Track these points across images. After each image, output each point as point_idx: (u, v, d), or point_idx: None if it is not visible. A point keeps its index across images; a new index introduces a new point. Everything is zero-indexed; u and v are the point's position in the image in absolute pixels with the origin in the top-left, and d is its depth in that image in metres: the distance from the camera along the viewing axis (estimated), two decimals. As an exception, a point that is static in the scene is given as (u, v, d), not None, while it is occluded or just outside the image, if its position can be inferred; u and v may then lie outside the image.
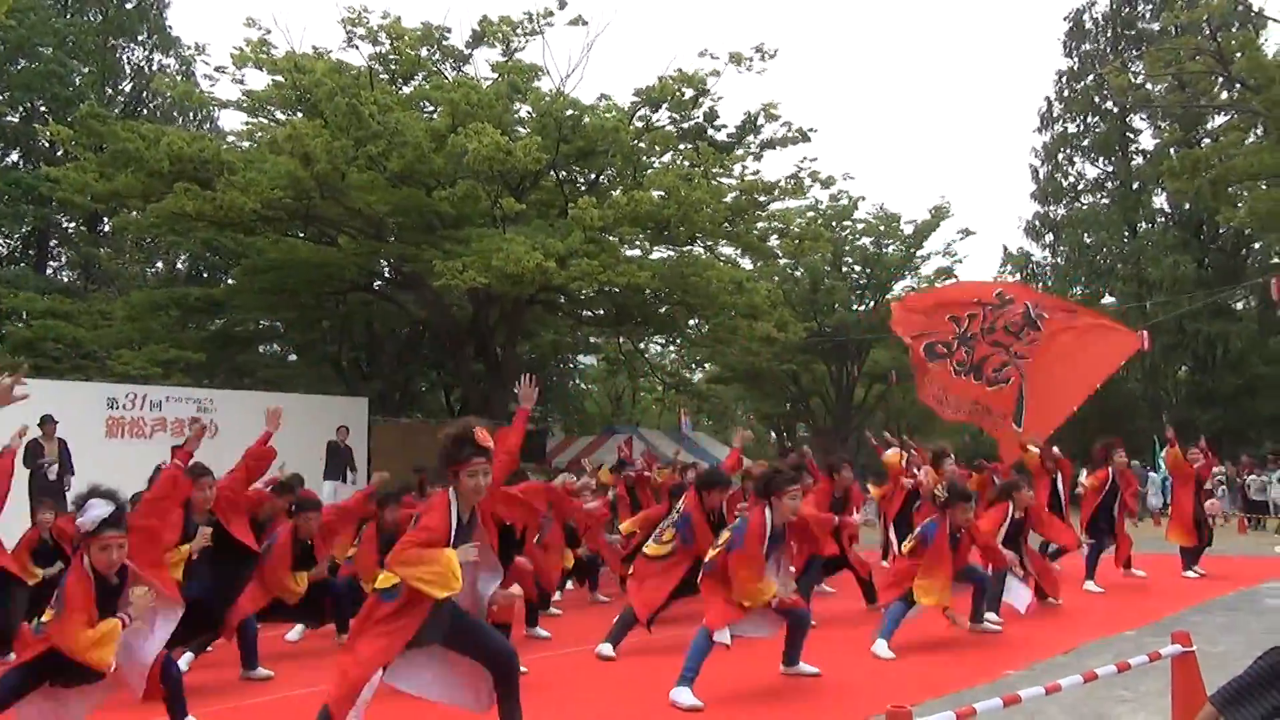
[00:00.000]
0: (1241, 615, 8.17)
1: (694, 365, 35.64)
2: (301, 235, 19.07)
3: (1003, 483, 8.85)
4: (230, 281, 22.65)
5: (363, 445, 17.25)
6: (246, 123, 20.19)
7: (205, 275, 25.39)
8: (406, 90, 18.91)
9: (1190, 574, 10.58)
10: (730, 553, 5.73)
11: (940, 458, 9.55)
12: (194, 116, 26.91)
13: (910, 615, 6.85)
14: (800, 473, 6.50)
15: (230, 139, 20.79)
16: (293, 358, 27.06)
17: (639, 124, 18.78)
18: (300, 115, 16.89)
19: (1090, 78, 30.13)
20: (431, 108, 18.74)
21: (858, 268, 31.94)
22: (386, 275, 21.23)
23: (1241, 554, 12.43)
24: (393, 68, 18.90)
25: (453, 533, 4.25)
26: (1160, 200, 29.47)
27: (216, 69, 18.62)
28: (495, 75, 19.04)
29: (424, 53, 19.10)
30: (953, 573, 6.89)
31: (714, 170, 18.34)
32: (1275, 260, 26.81)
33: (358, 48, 18.31)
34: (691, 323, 22.47)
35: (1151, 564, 10.78)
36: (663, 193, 17.26)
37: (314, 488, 10.46)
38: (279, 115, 18.84)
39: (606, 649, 6.75)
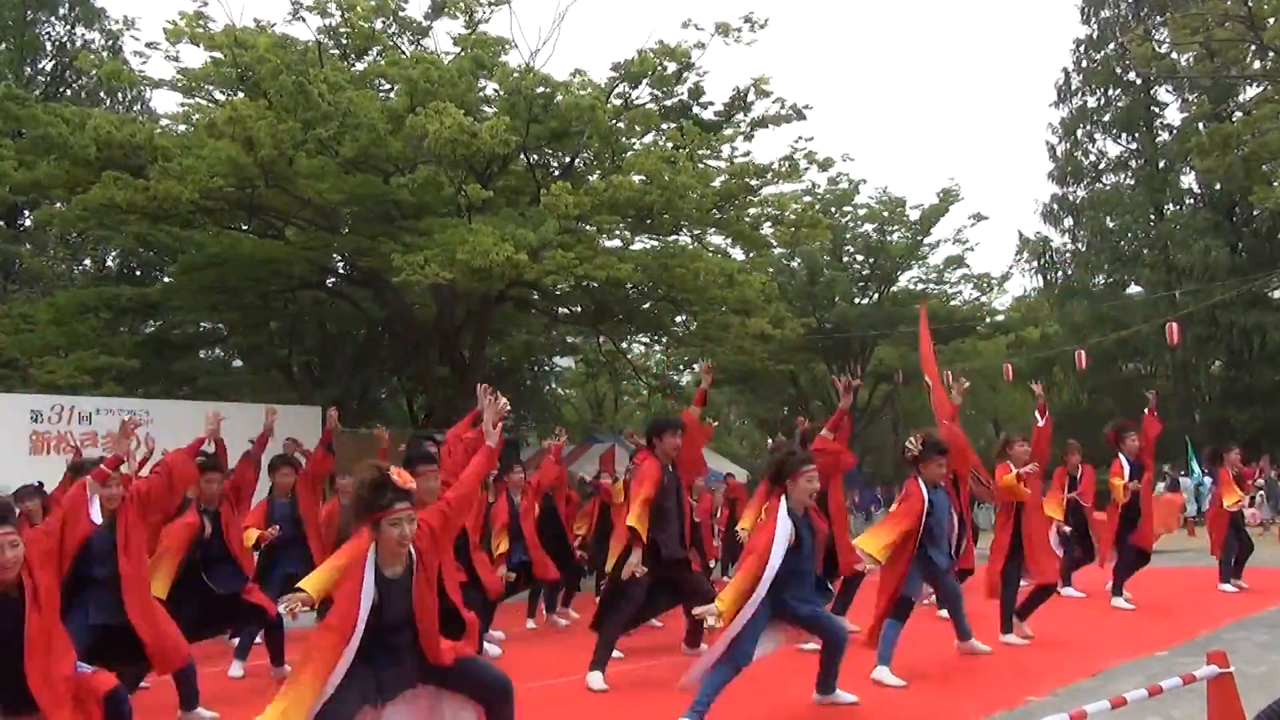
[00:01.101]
0: (1283, 632, 8.23)
1: (681, 366, 35.64)
2: (245, 228, 18.95)
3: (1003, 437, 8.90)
4: (166, 280, 22.50)
5: (316, 460, 17.13)
6: (182, 104, 20.10)
7: (138, 273, 25.22)
8: (360, 67, 18.84)
9: (1227, 588, 10.67)
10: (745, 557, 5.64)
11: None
12: (123, 97, 26.72)
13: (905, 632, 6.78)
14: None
15: (164, 122, 20.67)
16: (237, 363, 26.92)
17: (617, 102, 18.78)
18: (242, 95, 16.79)
19: (1111, 47, 30.41)
20: (388, 86, 18.69)
21: (859, 257, 32.10)
22: (340, 271, 21.14)
23: (1282, 565, 12.50)
24: (344, 42, 18.84)
25: (369, 599, 4.10)
26: (1189, 180, 29.81)
27: (148, 45, 18.49)
28: (458, 49, 19.02)
29: (378, 25, 19.05)
30: (915, 536, 6.71)
31: (700, 152, 18.37)
32: (1314, 244, 27.13)
33: (305, 20, 18.26)
34: (678, 320, 22.49)
35: (1186, 578, 10.85)
36: (644, 177, 17.27)
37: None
38: (218, 95, 18.72)
39: (596, 679, 6.74)
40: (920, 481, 6.84)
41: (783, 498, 5.66)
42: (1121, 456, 9.96)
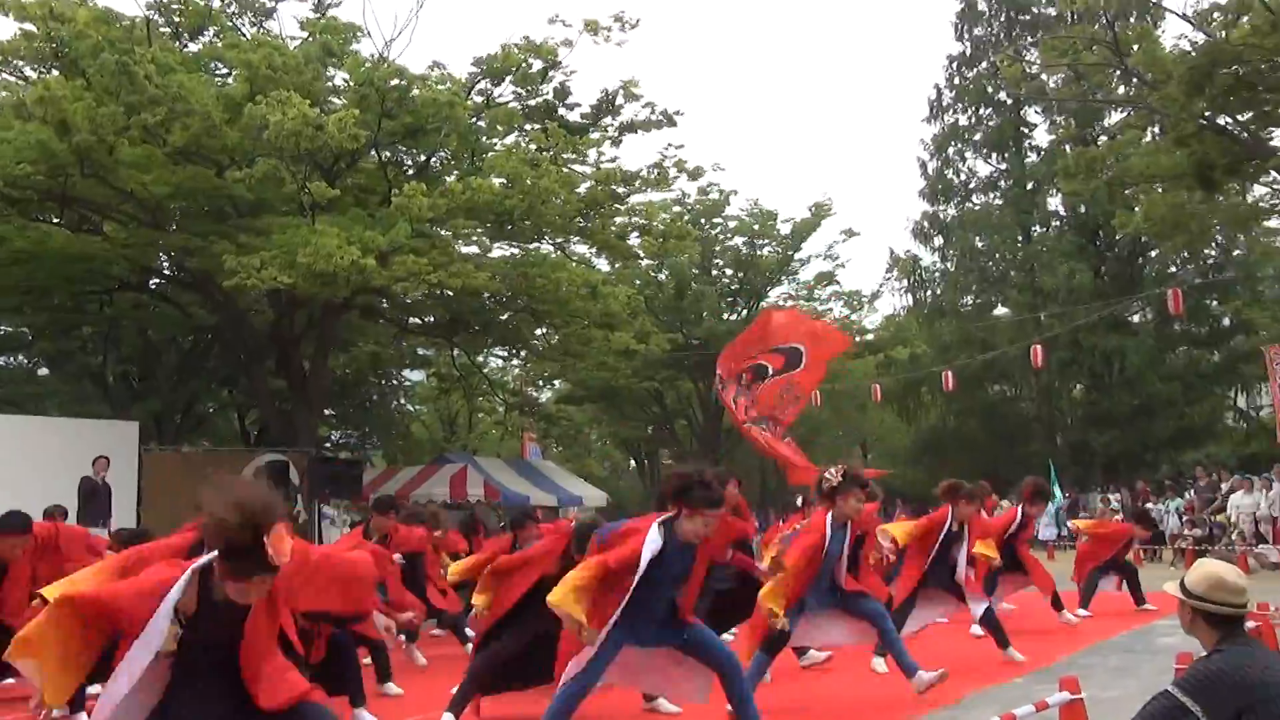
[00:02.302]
0: (1135, 656, 8.76)
1: (541, 382, 35.64)
2: (56, 220, 18.13)
3: (947, 483, 9.02)
4: (-39, 277, 21.34)
5: (131, 480, 16.49)
6: (-14, 80, 19.14)
7: (-72, 268, 23.84)
8: (193, 48, 18.36)
9: (1077, 615, 11.25)
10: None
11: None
12: (-85, 69, 25.23)
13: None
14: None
15: (-37, 99, 19.65)
16: (44, 371, 25.73)
17: (478, 99, 18.73)
18: (56, 73, 16.14)
19: (983, 65, 31.83)
20: (225, 70, 18.26)
21: (729, 271, 32.73)
22: (165, 272, 20.47)
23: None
24: (176, 20, 18.32)
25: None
26: (1055, 202, 31.39)
27: (-54, 12, 17.58)
28: (304, 35, 18.69)
29: (216, 4, 18.60)
30: (808, 579, 6.65)
31: (565, 156, 18.49)
32: (1173, 270, 29.00)
33: (132, -7, 17.67)
34: (538, 333, 22.51)
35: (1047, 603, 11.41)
36: (505, 180, 17.27)
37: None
38: (29, 72, 17.95)
39: None
40: (828, 517, 6.76)
41: (664, 516, 5.31)
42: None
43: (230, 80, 17.59)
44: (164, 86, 15.16)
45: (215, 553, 3.66)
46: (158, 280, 20.89)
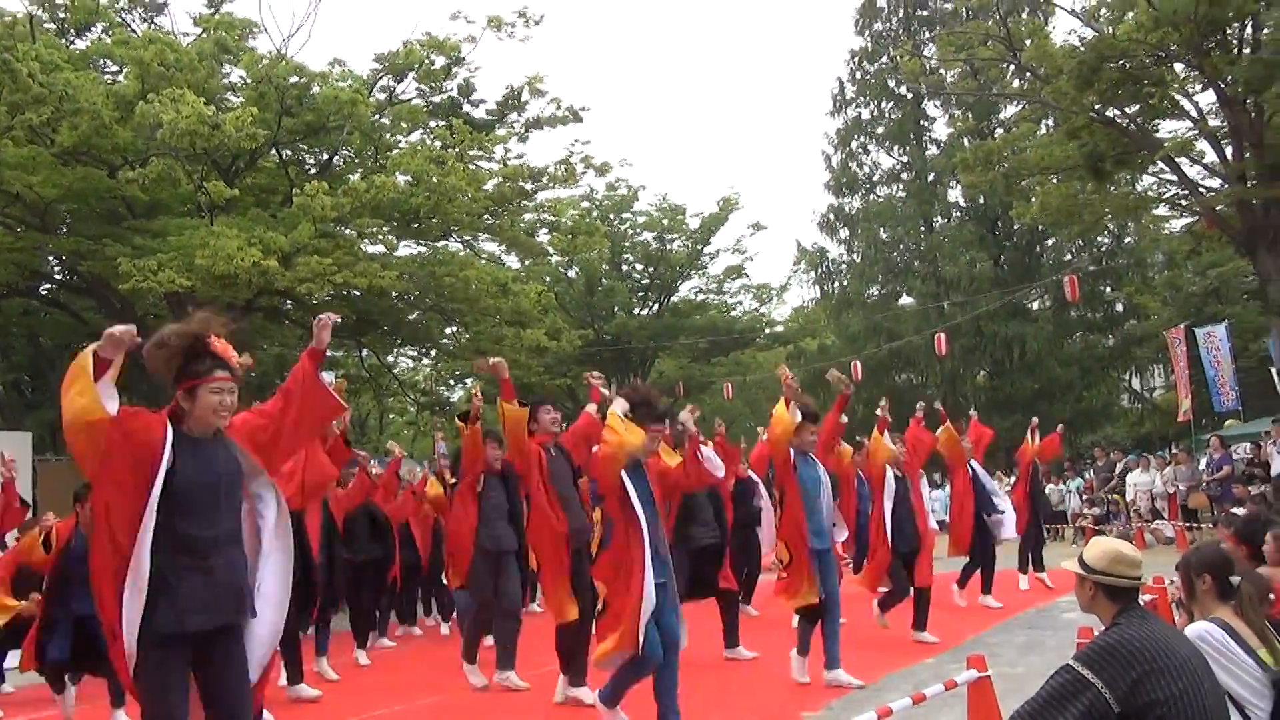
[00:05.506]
0: (1041, 633, 9.05)
1: (452, 381, 35.32)
2: (-63, 225, 17.44)
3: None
4: None
5: (26, 493, 15.88)
6: None
7: None
8: (81, 45, 17.81)
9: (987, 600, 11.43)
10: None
11: None
12: None
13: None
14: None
15: None
16: (-72, 382, 24.73)
17: (380, 96, 18.49)
18: (-67, 71, 15.45)
19: (883, 59, 32.38)
20: (115, 68, 17.74)
21: (639, 266, 32.82)
22: (57, 276, 19.79)
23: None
24: (62, 16, 17.77)
25: (164, 466, 3.69)
26: (956, 194, 32.08)
27: None
28: (198, 31, 18.25)
29: (104, -1, 18.03)
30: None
31: (471, 153, 18.35)
32: (1068, 258, 29.91)
33: (13, -12, 17.03)
34: (448, 331, 22.32)
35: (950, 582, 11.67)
36: (410, 178, 17.09)
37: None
38: (-97, 70, 17.18)
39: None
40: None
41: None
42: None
43: (121, 78, 17.09)
44: (49, 84, 14.64)
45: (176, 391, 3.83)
46: (49, 285, 20.21)
